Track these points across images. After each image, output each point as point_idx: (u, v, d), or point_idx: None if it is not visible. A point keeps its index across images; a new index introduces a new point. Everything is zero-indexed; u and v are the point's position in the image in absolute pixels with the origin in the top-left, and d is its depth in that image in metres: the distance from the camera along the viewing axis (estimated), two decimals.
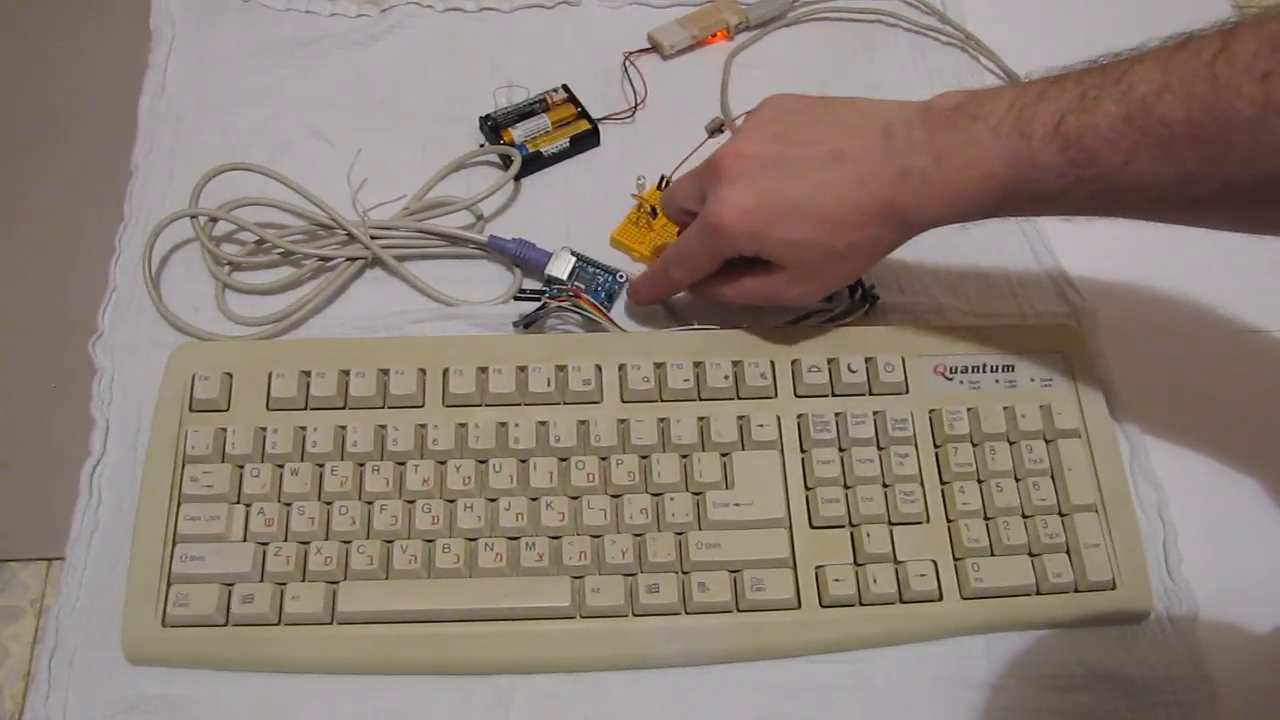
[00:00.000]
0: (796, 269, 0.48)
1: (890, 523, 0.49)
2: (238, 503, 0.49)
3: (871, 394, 0.52)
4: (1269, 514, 0.53)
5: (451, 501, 0.49)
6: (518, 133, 0.62)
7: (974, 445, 0.51)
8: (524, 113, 0.63)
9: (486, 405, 0.51)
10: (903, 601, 0.48)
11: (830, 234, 0.47)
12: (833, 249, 0.47)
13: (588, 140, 0.63)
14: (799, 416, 0.51)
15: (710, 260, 0.51)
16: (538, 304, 0.55)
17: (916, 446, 0.51)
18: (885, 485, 0.50)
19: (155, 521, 0.48)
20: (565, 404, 0.51)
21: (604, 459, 0.50)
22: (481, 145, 0.62)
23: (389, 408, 0.51)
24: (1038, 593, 0.49)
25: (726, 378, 0.52)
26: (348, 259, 0.57)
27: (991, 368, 0.53)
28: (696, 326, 0.56)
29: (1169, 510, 0.52)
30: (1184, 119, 0.38)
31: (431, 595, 0.47)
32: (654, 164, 0.61)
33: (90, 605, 0.48)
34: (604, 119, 0.64)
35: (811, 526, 0.49)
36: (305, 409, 0.51)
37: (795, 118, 0.49)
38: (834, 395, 0.52)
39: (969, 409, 0.51)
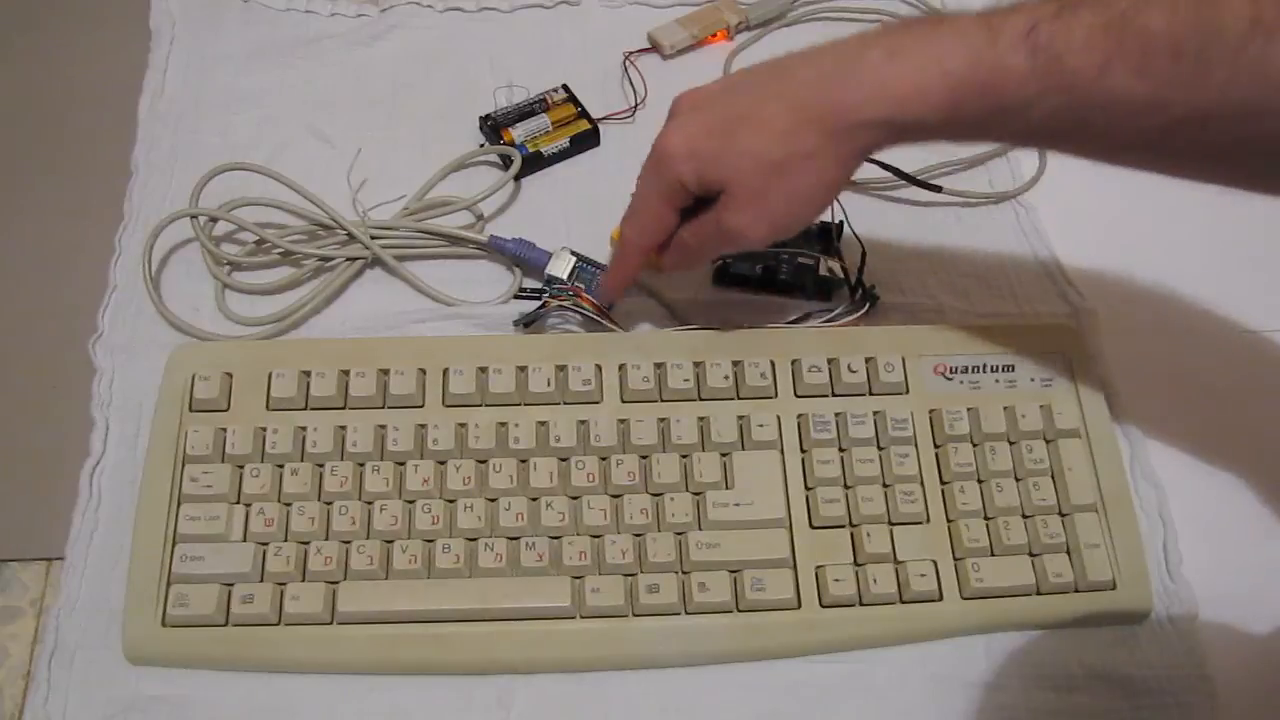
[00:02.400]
0: (738, 190, 0.45)
1: (890, 523, 0.49)
2: (238, 503, 0.49)
3: (871, 394, 0.52)
4: (1269, 514, 0.53)
5: (451, 501, 0.49)
6: (518, 133, 0.62)
7: (974, 445, 0.51)
8: (524, 113, 0.63)
9: (486, 405, 0.51)
10: (903, 601, 0.48)
11: (766, 142, 0.44)
12: (769, 159, 0.44)
13: (588, 140, 0.63)
14: (799, 416, 0.51)
15: (659, 203, 0.48)
16: (538, 304, 0.55)
17: (916, 446, 0.51)
18: (885, 485, 0.50)
19: (155, 521, 0.48)
20: (565, 404, 0.51)
21: (604, 459, 0.50)
22: (481, 145, 0.62)
23: (389, 408, 0.51)
24: (1038, 593, 0.49)
25: (726, 378, 0.52)
26: (348, 259, 0.57)
27: (991, 368, 0.53)
28: (696, 326, 0.56)
29: (1169, 510, 0.52)
30: (1165, 31, 0.37)
31: (431, 595, 0.47)
32: None
33: (90, 605, 0.48)
34: (604, 119, 0.64)
35: (811, 526, 0.49)
36: (305, 409, 0.51)
37: (760, 64, 0.47)
38: (834, 395, 0.52)
39: (969, 409, 0.51)
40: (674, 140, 0.46)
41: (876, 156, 0.58)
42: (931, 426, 0.52)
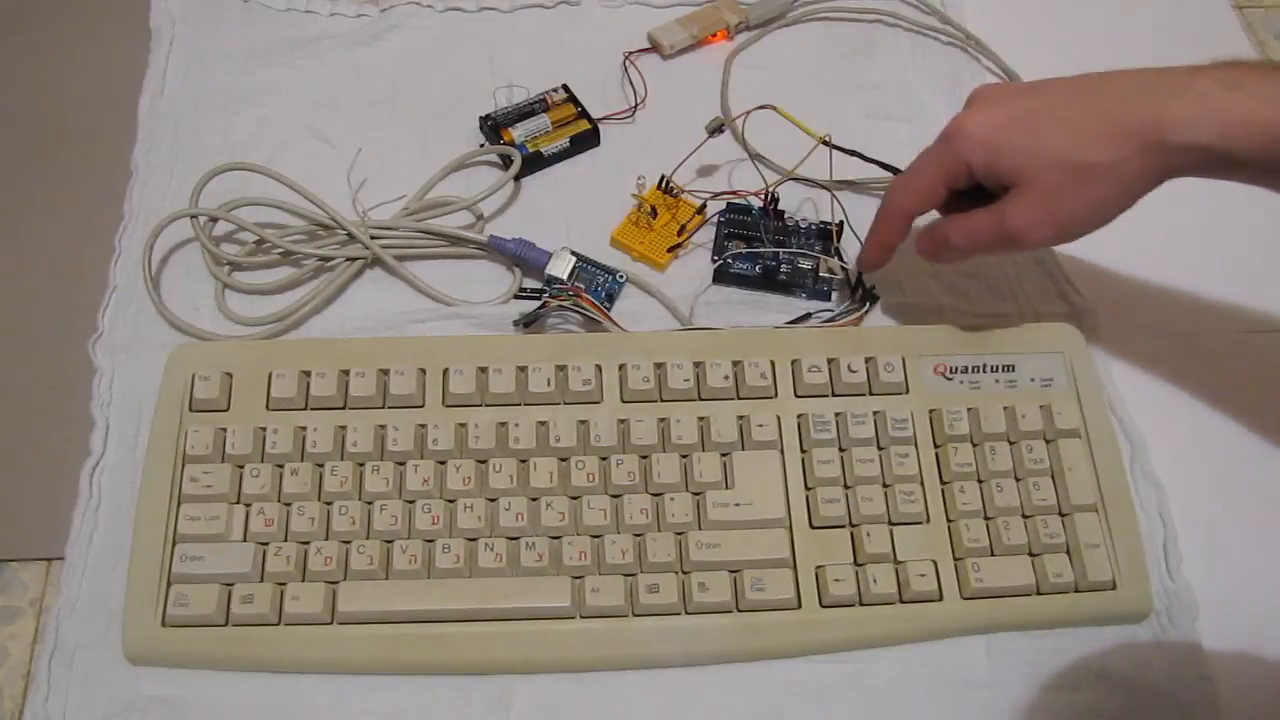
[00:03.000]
0: (1029, 187, 0.45)
1: (890, 523, 0.49)
2: (238, 503, 0.49)
3: (871, 394, 0.52)
4: (1269, 514, 0.53)
5: (451, 501, 0.49)
6: (518, 133, 0.62)
7: (974, 445, 0.51)
8: (524, 113, 0.63)
9: (486, 405, 0.51)
10: (903, 601, 0.48)
11: (1071, 142, 0.43)
12: (1069, 161, 0.43)
13: (588, 140, 0.63)
14: (799, 416, 0.51)
15: (936, 176, 0.47)
16: (538, 304, 0.55)
17: (917, 446, 0.51)
18: (885, 485, 0.50)
19: (155, 521, 0.48)
20: (565, 404, 0.51)
21: (604, 459, 0.50)
22: (481, 145, 0.62)
23: (389, 408, 0.51)
24: (1038, 593, 0.49)
25: (726, 378, 0.52)
26: (348, 259, 0.57)
27: (991, 368, 0.53)
28: (696, 327, 0.56)
29: (1169, 510, 0.52)
30: None
31: (431, 595, 0.47)
32: (654, 164, 0.61)
33: (90, 605, 0.48)
34: (604, 119, 0.64)
35: (811, 526, 0.49)
36: (305, 409, 0.51)
37: (1069, 78, 0.46)
38: (834, 395, 0.52)
39: (969, 409, 0.51)
40: (974, 121, 0.46)
41: (878, 157, 0.59)
42: (931, 426, 0.52)
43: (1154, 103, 0.43)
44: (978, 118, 0.46)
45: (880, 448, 0.51)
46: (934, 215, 0.52)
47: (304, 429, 0.50)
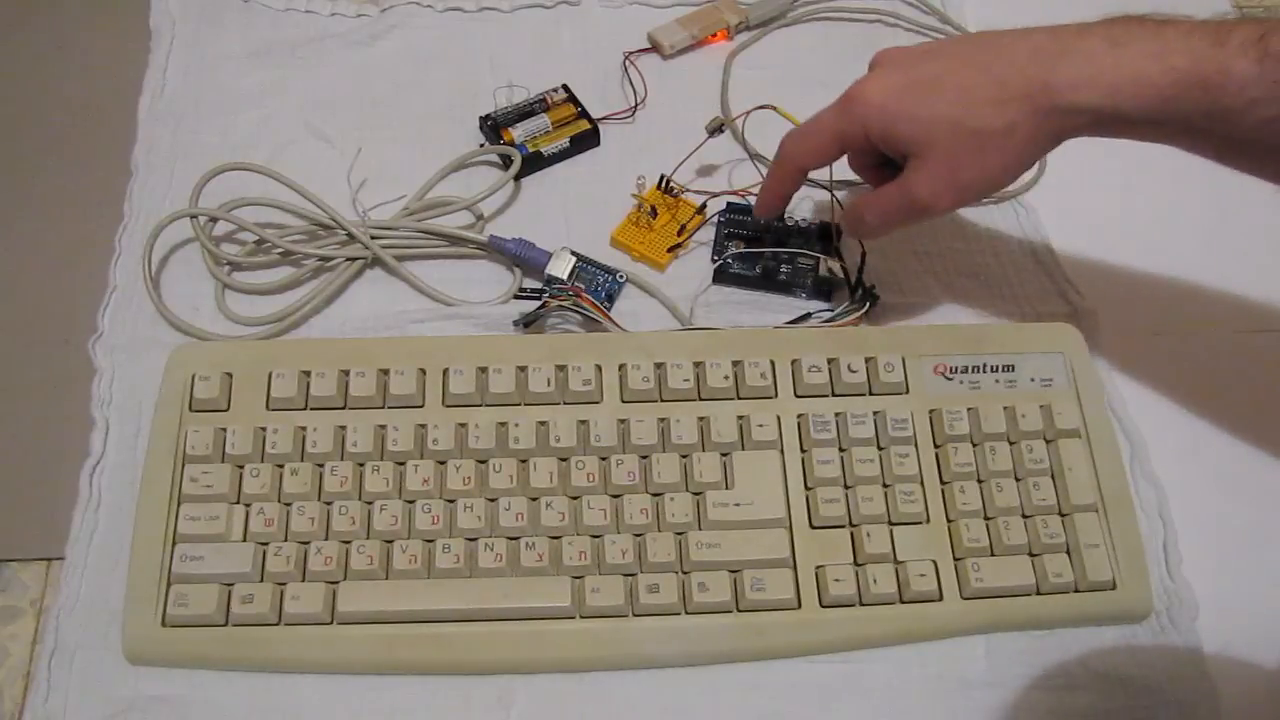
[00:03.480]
0: (928, 155, 0.45)
1: (890, 523, 0.49)
2: (238, 503, 0.49)
3: (871, 394, 0.52)
4: (1269, 514, 0.53)
5: (451, 501, 0.49)
6: (518, 133, 0.62)
7: (974, 445, 0.51)
8: (524, 113, 0.63)
9: (486, 405, 0.51)
10: (903, 601, 0.48)
11: (964, 108, 0.44)
12: (964, 126, 0.44)
13: (588, 140, 0.63)
14: (799, 416, 0.51)
15: (830, 137, 0.48)
16: (538, 304, 0.55)
17: (916, 446, 0.51)
18: (885, 485, 0.50)
19: (155, 521, 0.48)
20: (565, 404, 0.51)
21: (604, 459, 0.50)
22: (481, 145, 0.62)
23: (389, 408, 0.51)
24: (1038, 593, 0.49)
25: (726, 378, 0.52)
26: (348, 259, 0.57)
27: (991, 368, 0.53)
28: (696, 327, 0.56)
29: (1169, 510, 0.52)
30: None
31: (431, 595, 0.47)
32: (654, 164, 0.61)
33: (90, 605, 0.48)
34: (604, 119, 0.64)
35: (811, 526, 0.49)
36: (305, 409, 0.51)
37: (965, 35, 0.48)
38: (834, 395, 0.52)
39: (969, 409, 0.51)
40: (870, 88, 0.46)
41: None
42: (931, 426, 0.52)
43: (1043, 66, 0.43)
44: (875, 84, 0.47)
45: (880, 448, 0.51)
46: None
47: (304, 429, 0.50)
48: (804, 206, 0.62)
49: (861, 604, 0.48)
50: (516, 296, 0.57)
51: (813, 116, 0.51)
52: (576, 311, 0.55)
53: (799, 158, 0.51)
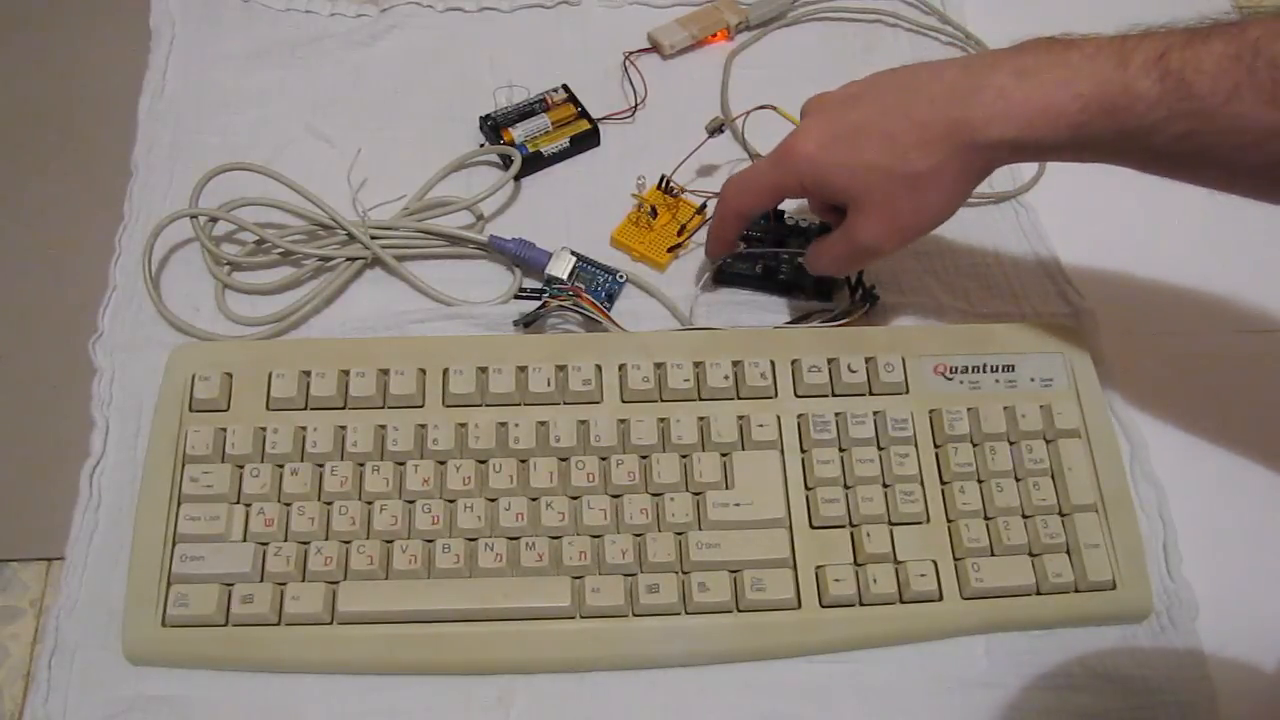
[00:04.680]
0: (863, 202, 0.46)
1: (890, 523, 0.49)
2: (238, 503, 0.49)
3: (871, 394, 0.52)
4: (1269, 514, 0.53)
5: (451, 501, 0.49)
6: (518, 133, 0.62)
7: (974, 445, 0.51)
8: (524, 113, 0.63)
9: (486, 405, 0.51)
10: (903, 601, 0.48)
11: (891, 155, 0.45)
12: (894, 173, 0.45)
13: (588, 140, 0.63)
14: (799, 416, 0.51)
15: (767, 189, 0.50)
16: (538, 304, 0.55)
17: (916, 446, 0.51)
18: (885, 485, 0.50)
19: (155, 521, 0.48)
20: (565, 404, 0.51)
21: (604, 459, 0.50)
22: (481, 145, 0.62)
23: (389, 408, 0.51)
24: (1038, 593, 0.49)
25: (726, 378, 0.52)
26: (348, 259, 0.57)
27: (991, 368, 0.53)
28: (696, 327, 0.56)
29: (1169, 510, 0.52)
30: None
31: (431, 595, 0.47)
32: (654, 164, 0.61)
33: (90, 605, 0.48)
34: (604, 119, 0.64)
35: (811, 526, 0.49)
36: (305, 409, 0.51)
37: (886, 73, 0.48)
38: (834, 395, 0.52)
39: (969, 409, 0.51)
40: (800, 140, 0.47)
41: None
42: (931, 426, 0.52)
43: (958, 105, 0.44)
44: (805, 137, 0.48)
45: (880, 448, 0.51)
46: None
47: (304, 429, 0.50)
48: (805, 206, 0.61)
49: (861, 604, 0.48)
50: (516, 296, 0.57)
51: (751, 165, 0.52)
52: (576, 311, 0.55)
53: (740, 206, 0.52)
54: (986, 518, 0.50)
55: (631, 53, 0.67)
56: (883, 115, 0.46)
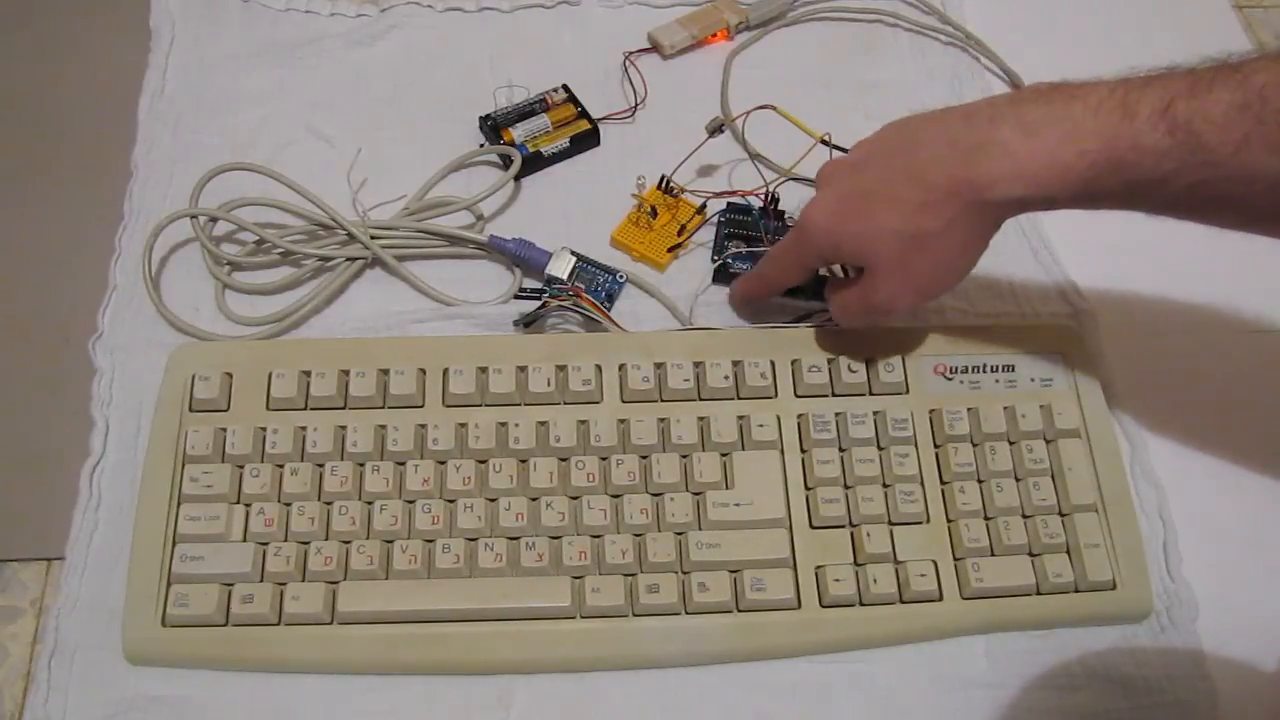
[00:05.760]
0: (878, 265, 0.47)
1: (890, 523, 0.49)
2: (238, 503, 0.49)
3: (871, 394, 0.52)
4: (1269, 514, 0.53)
5: (451, 501, 0.49)
6: (518, 133, 0.62)
7: (974, 445, 0.51)
8: (524, 113, 0.63)
9: (486, 405, 0.51)
10: (903, 601, 0.48)
11: (900, 218, 0.45)
12: (905, 235, 0.45)
13: (588, 140, 0.63)
14: (799, 416, 0.51)
15: (797, 263, 0.51)
16: (538, 304, 0.55)
17: (916, 446, 0.51)
18: (885, 485, 0.50)
19: (155, 521, 0.48)
20: (565, 404, 0.51)
21: (604, 459, 0.50)
22: (481, 145, 0.62)
23: (389, 408, 0.51)
24: (1038, 593, 0.49)
25: (726, 378, 0.52)
26: (348, 259, 0.57)
27: (991, 368, 0.53)
28: (696, 326, 0.56)
29: (1169, 510, 0.52)
30: None
31: (431, 595, 0.47)
32: (654, 164, 0.61)
33: (90, 605, 0.48)
34: (604, 119, 0.64)
35: (811, 526, 0.49)
36: (305, 409, 0.51)
37: (891, 129, 0.48)
38: (834, 395, 0.52)
39: (969, 409, 0.51)
40: (814, 213, 0.48)
41: None
42: (931, 426, 0.52)
43: (963, 164, 0.44)
44: (818, 209, 0.48)
45: (880, 448, 0.51)
46: None
47: (304, 429, 0.50)
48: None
49: (861, 604, 0.48)
50: (516, 296, 0.57)
51: (780, 245, 0.53)
52: (576, 311, 0.55)
53: (777, 281, 0.54)
54: (986, 518, 0.50)
55: (631, 53, 0.67)
56: (889, 179, 0.46)
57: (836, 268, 0.57)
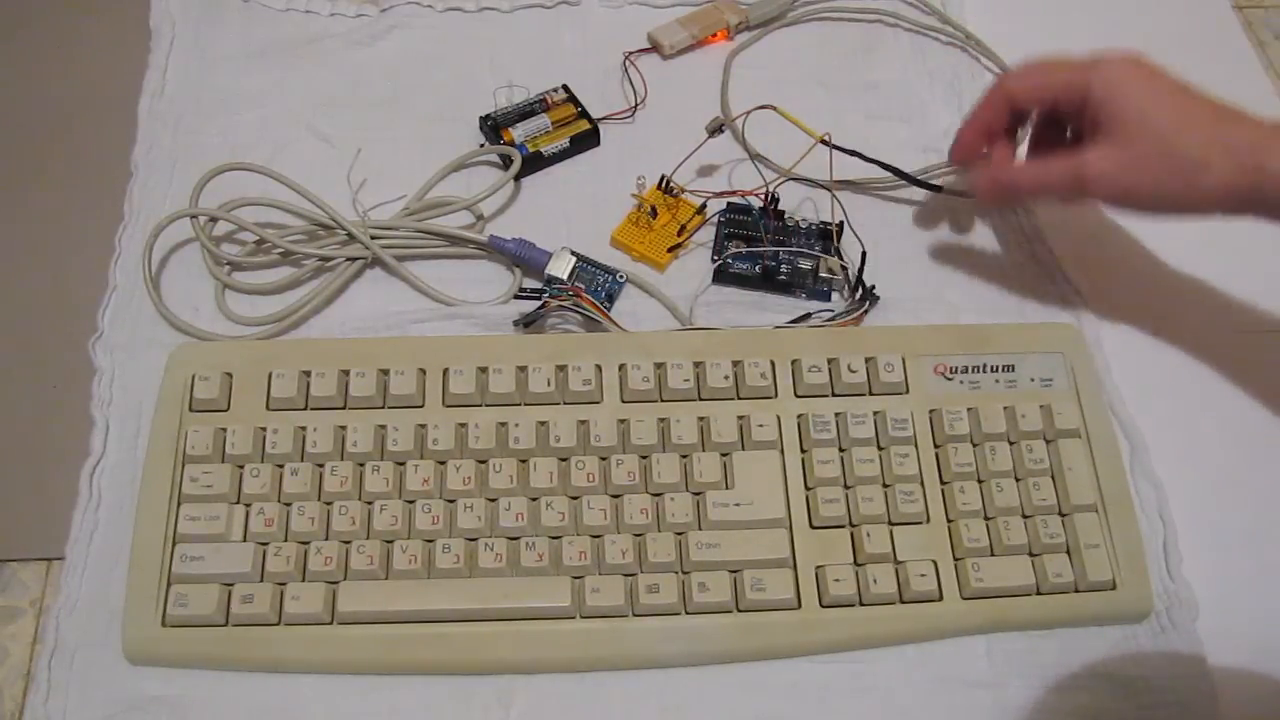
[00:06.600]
0: (1122, 143, 0.48)
1: (890, 523, 0.49)
2: (238, 503, 0.49)
3: (871, 394, 0.52)
4: (1269, 514, 0.53)
5: (451, 501, 0.49)
6: (518, 133, 0.62)
7: (974, 445, 0.51)
8: (524, 113, 0.63)
9: (486, 405, 0.51)
10: (903, 601, 0.48)
11: (1178, 127, 0.47)
12: (1169, 143, 0.47)
13: (588, 140, 0.63)
14: (799, 416, 0.51)
15: (1055, 79, 0.51)
16: (538, 304, 0.55)
17: (916, 446, 0.51)
18: (885, 485, 0.50)
19: (155, 521, 0.48)
20: (565, 404, 0.51)
21: (604, 459, 0.50)
22: (481, 145, 0.62)
23: (389, 408, 0.51)
24: (1038, 593, 0.49)
25: (726, 378, 0.52)
26: (348, 259, 0.57)
27: (991, 368, 0.53)
28: (696, 326, 0.56)
29: (1169, 510, 0.52)
30: None
31: (431, 595, 0.47)
32: (654, 164, 0.61)
33: (90, 605, 0.48)
34: (604, 119, 0.64)
35: (811, 526, 0.49)
36: (305, 409, 0.51)
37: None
38: (834, 395, 0.52)
39: (969, 409, 0.51)
40: (1117, 63, 0.49)
41: (878, 157, 0.59)
42: (931, 426, 0.52)
43: (1257, 132, 0.46)
44: (1122, 63, 0.49)
45: (880, 448, 0.51)
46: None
47: (304, 429, 0.50)
48: (804, 207, 0.62)
49: (861, 604, 0.48)
50: (516, 296, 0.57)
51: (1039, 59, 0.53)
52: (576, 311, 0.55)
53: (1019, 88, 0.53)
54: (987, 518, 0.50)
55: (631, 53, 0.67)
56: (1192, 101, 0.48)
57: (836, 266, 0.57)
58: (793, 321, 0.56)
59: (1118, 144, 0.48)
